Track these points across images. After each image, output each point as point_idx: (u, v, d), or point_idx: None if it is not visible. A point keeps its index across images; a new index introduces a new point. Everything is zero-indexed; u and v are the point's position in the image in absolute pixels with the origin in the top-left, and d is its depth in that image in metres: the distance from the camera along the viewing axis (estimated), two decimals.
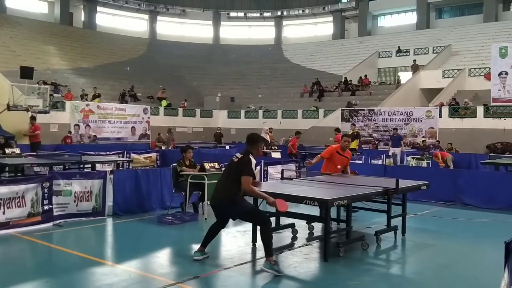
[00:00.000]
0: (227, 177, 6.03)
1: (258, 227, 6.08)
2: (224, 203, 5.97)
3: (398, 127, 23.59)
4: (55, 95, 25.09)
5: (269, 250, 5.72)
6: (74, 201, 8.40)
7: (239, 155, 5.94)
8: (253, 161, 5.94)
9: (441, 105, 24.09)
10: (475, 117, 22.15)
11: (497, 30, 33.46)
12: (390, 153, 18.92)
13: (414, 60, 31.66)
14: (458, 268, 6.24)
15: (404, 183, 7.43)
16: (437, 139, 22.16)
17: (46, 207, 7.96)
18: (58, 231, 7.71)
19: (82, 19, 42.22)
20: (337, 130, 19.71)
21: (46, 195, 7.98)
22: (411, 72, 31.07)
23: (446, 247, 7.33)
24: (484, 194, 10.38)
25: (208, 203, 9.01)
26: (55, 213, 8.10)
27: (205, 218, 8.76)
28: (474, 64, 29.19)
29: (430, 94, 27.67)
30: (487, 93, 23.12)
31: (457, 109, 23.07)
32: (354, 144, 20.04)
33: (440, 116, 22.95)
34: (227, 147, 22.54)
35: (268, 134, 20.90)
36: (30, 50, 30.86)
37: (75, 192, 8.42)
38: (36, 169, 12.49)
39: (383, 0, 42.71)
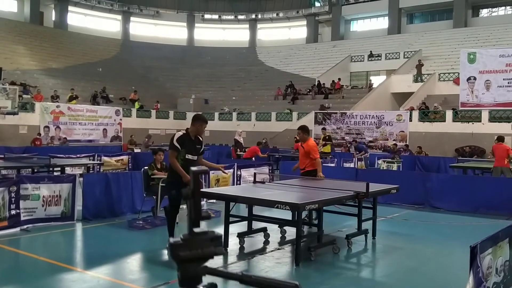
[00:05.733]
0: None
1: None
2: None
3: (370, 130, 23.98)
4: (24, 96, 24.54)
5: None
6: (42, 206, 8.22)
7: None
8: (177, 135, 6.69)
9: (411, 109, 24.49)
10: (444, 121, 22.58)
11: (466, 36, 34.24)
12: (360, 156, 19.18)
13: (419, 60, 30.54)
14: (426, 270, 6.35)
15: (374, 187, 7.51)
16: (407, 142, 22.54)
17: (13, 212, 7.77)
18: (26, 236, 7.54)
19: (53, 18, 41.39)
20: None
21: (13, 199, 7.79)
22: (384, 76, 31.38)
23: (415, 250, 7.47)
24: (452, 197, 10.59)
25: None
26: (22, 218, 7.91)
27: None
28: (443, 69, 29.76)
29: (401, 98, 28.11)
30: (456, 97, 23.60)
31: (426, 113, 23.51)
32: (328, 148, 20.23)
33: (411, 120, 23.33)
34: None
35: (240, 135, 20.83)
36: None
37: (43, 196, 8.25)
38: (3, 172, 12.19)
39: (356, 5, 43.32)
